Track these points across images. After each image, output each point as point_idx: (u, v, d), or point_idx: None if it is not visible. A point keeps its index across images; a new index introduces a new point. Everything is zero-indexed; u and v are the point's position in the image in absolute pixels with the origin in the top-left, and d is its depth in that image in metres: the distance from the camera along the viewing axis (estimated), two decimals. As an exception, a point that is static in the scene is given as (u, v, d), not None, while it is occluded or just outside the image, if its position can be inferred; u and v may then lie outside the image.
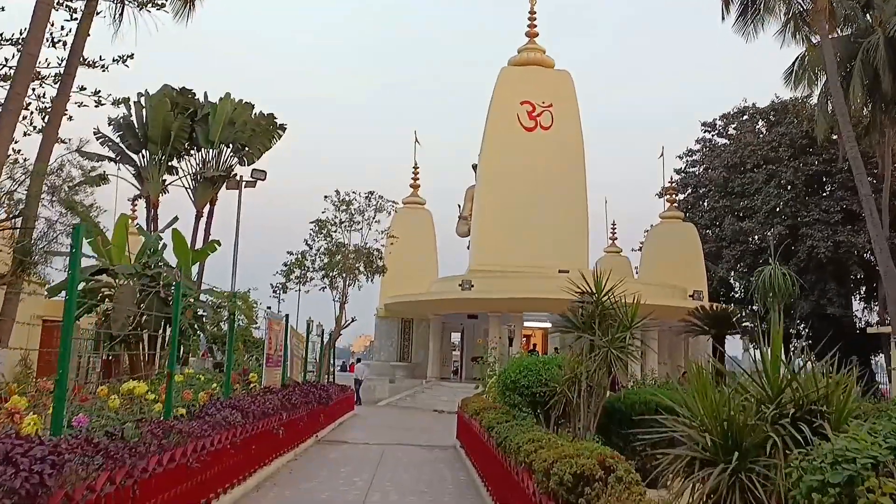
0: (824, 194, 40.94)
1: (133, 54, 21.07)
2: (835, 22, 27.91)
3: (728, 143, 47.65)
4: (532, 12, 40.30)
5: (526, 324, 34.65)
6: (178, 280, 9.80)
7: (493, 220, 35.58)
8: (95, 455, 4.70)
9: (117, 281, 20.01)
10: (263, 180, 25.02)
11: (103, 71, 21.00)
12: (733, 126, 48.13)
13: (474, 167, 42.73)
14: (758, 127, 46.50)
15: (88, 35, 19.15)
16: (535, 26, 40.29)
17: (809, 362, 4.06)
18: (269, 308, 13.97)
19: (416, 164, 41.15)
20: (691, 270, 36.95)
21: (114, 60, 21.00)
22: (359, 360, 36.42)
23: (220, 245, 25.69)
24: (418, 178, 40.85)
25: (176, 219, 23.42)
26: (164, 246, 21.74)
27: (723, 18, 27.08)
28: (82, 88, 20.31)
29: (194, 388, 12.89)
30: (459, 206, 44.37)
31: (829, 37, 32.23)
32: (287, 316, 14.77)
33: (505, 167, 36.03)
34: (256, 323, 18.50)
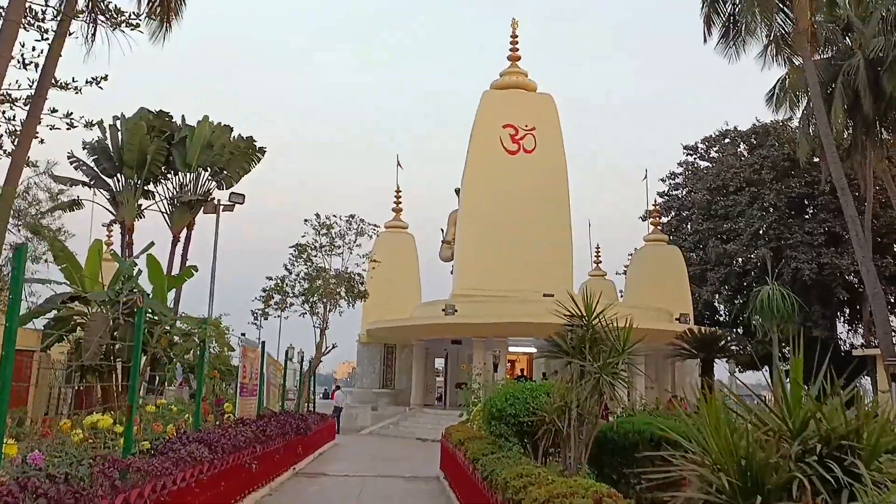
0: (807, 216, 40.93)
1: (107, 76, 20.48)
2: (816, 44, 27.97)
3: (710, 165, 47.73)
4: (514, 36, 40.27)
5: (511, 349, 34.16)
6: (140, 305, 9.23)
7: (476, 244, 35.18)
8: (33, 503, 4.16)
9: (90, 308, 19.43)
10: (242, 204, 24.47)
11: (76, 93, 20.41)
12: (715, 149, 48.25)
13: (457, 191, 42.40)
14: (739, 150, 46.64)
15: (60, 56, 18.66)
16: (518, 50, 40.25)
17: (834, 392, 3.61)
18: (243, 335, 13.39)
19: (398, 187, 40.82)
20: (676, 293, 36.68)
21: (87, 82, 20.40)
22: (338, 388, 35.66)
23: (196, 270, 25.00)
24: (401, 202, 40.47)
25: (151, 244, 22.69)
26: (140, 272, 21.14)
27: (705, 40, 27.11)
28: (53, 111, 19.72)
29: (165, 419, 12.30)
30: (443, 231, 43.96)
31: (811, 59, 32.43)
32: (263, 343, 14.21)
33: (488, 191, 35.72)
34: (234, 350, 17.90)
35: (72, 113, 19.92)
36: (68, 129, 20.04)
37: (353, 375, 42.03)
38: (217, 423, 11.21)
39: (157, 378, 21.86)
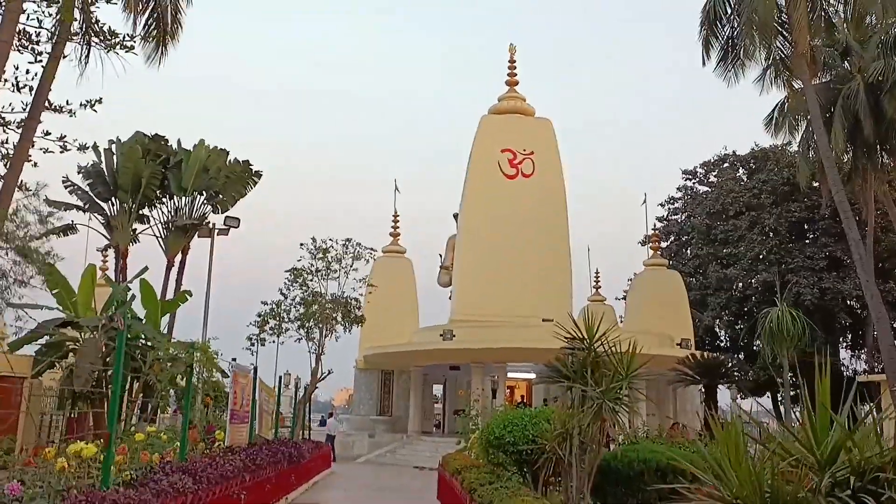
0: (808, 241, 40.69)
1: (101, 99, 20.29)
2: (815, 68, 27.87)
3: (709, 190, 47.61)
4: (512, 61, 40.28)
5: (510, 374, 33.74)
6: (121, 328, 8.89)
7: (474, 269, 34.87)
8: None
9: (82, 334, 19.02)
10: (237, 227, 24.18)
11: (70, 116, 20.22)
12: (714, 174, 48.14)
13: (455, 216, 42.20)
14: (738, 174, 46.51)
15: (54, 78, 18.49)
16: (515, 75, 40.23)
17: (871, 418, 3.27)
18: (234, 360, 13.04)
19: (395, 212, 40.60)
20: (677, 318, 36.31)
21: (81, 105, 20.20)
22: (331, 415, 35.14)
23: (191, 295, 24.76)
24: (398, 227, 40.22)
25: (145, 269, 22.49)
26: (133, 297, 20.78)
27: (703, 63, 26.94)
28: (47, 133, 19.47)
29: (154, 448, 11.91)
30: (441, 257, 43.71)
31: (811, 83, 32.30)
32: (255, 368, 13.83)
33: (486, 215, 35.51)
34: (225, 374, 17.51)
35: (65, 136, 19.72)
36: (62, 152, 19.85)
37: (351, 402, 41.55)
38: (206, 451, 10.82)
39: (150, 405, 21.54)
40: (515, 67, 40.34)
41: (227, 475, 9.06)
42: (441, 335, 29.59)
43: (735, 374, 21.65)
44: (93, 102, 20.09)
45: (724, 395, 36.64)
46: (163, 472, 7.65)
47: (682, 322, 36.36)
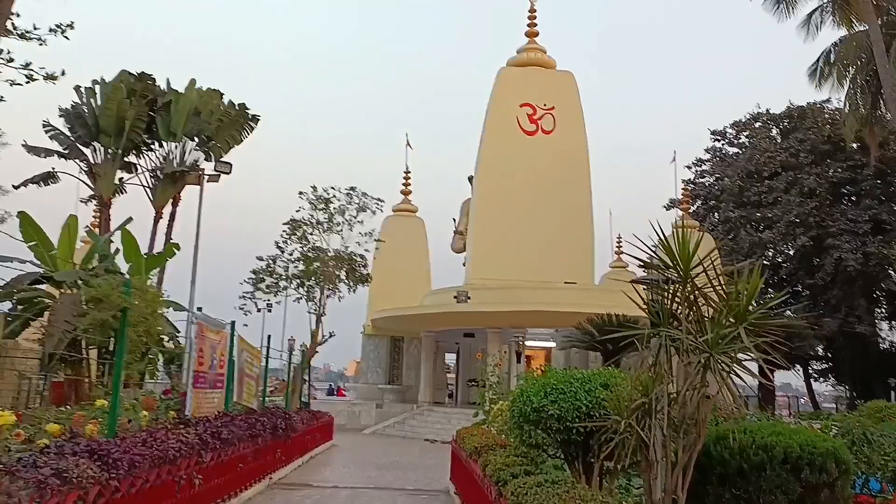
0: (850, 203, 37.86)
1: (73, 23, 17.77)
2: (877, 8, 25.07)
3: (740, 151, 44.82)
4: (532, 10, 37.42)
5: (527, 343, 31.47)
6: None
7: (491, 231, 32.44)
8: None
9: (61, 291, 16.95)
10: (228, 174, 21.68)
11: (40, 44, 17.77)
12: (745, 134, 45.22)
13: (470, 179, 39.79)
14: (772, 134, 43.60)
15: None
16: (535, 25, 37.40)
17: None
18: (199, 309, 10.64)
19: (407, 168, 38.07)
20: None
21: (51, 31, 17.72)
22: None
23: (178, 249, 22.39)
24: (410, 184, 37.69)
25: (129, 220, 20.18)
26: (117, 250, 18.68)
27: (753, -5, 24.22)
28: (10, 60, 17.07)
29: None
30: (455, 221, 41.33)
31: (859, 28, 29.63)
32: (232, 323, 11.49)
33: (504, 174, 32.99)
34: (177, 329, 15.26)
35: (30, 63, 17.36)
36: (28, 82, 17.49)
37: (359, 371, 39.45)
38: (156, 422, 8.51)
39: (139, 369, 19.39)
40: (535, 17, 37.51)
41: (170, 456, 6.71)
42: (455, 297, 27.20)
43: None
44: (63, 27, 17.58)
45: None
46: (59, 452, 5.31)
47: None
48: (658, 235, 5.09)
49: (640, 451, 4.71)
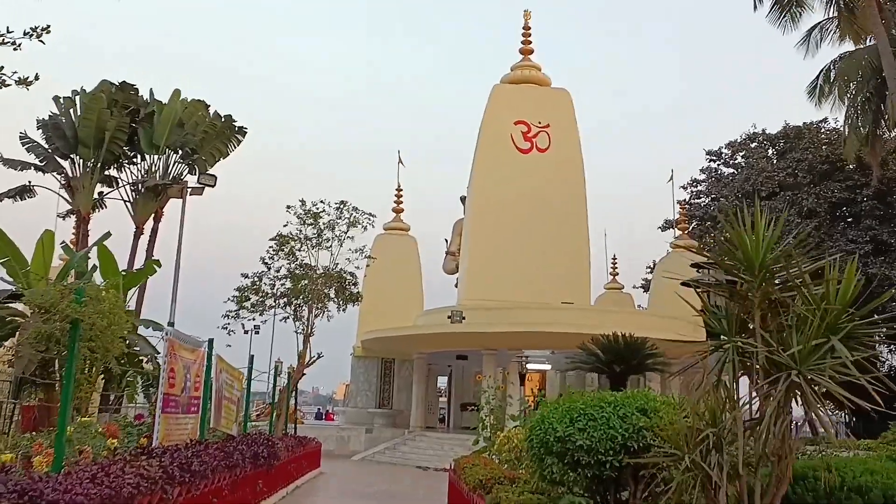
0: (849, 223, 37.14)
1: (49, 27, 16.82)
2: (887, 20, 24.49)
3: (735, 172, 44.26)
4: (526, 28, 36.92)
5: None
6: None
7: (485, 251, 31.56)
8: None
9: (32, 310, 15.91)
10: (213, 186, 20.72)
11: (15, 49, 16.81)
12: (741, 154, 44.68)
13: (463, 199, 39.02)
14: (768, 154, 43.04)
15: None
16: (530, 42, 36.87)
17: None
18: (171, 324, 9.54)
19: (399, 185, 37.12)
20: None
21: (25, 34, 16.75)
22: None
23: (159, 266, 21.38)
24: (402, 202, 36.75)
25: (108, 234, 19.19)
26: (95, 267, 17.67)
27: (755, 8, 23.56)
28: (-20, 63, 16.05)
29: (77, 444, 8.66)
30: (446, 241, 40.45)
31: (861, 45, 29.21)
32: (210, 341, 10.46)
33: (498, 192, 32.19)
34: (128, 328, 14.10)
35: (2, 68, 16.43)
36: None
37: (348, 394, 38.22)
38: (115, 454, 7.46)
39: (113, 394, 18.27)
40: (530, 35, 37.01)
41: (124, 494, 5.68)
42: (449, 317, 26.15)
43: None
44: (40, 31, 16.63)
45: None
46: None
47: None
48: (725, 225, 4.14)
49: (704, 493, 3.73)
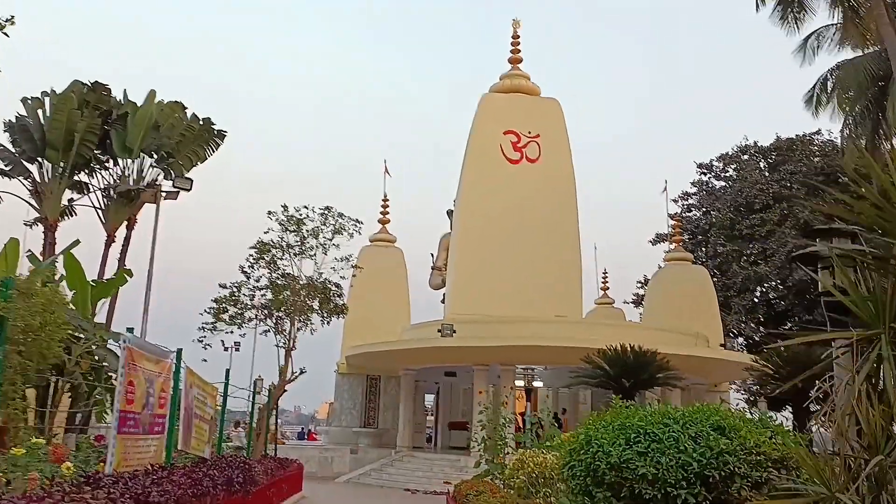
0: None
1: (13, 17, 15.62)
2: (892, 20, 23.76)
3: (727, 185, 43.60)
4: (515, 37, 36.04)
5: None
6: None
7: (472, 263, 30.46)
8: None
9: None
10: (189, 190, 19.45)
11: (-18, 38, 15.62)
12: (733, 167, 44.06)
13: (449, 213, 37.98)
14: (761, 167, 42.43)
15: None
16: (519, 52, 35.99)
17: None
18: (130, 329, 8.36)
19: (385, 196, 35.98)
20: (705, 318, 31.85)
21: (-9, 25, 15.55)
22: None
23: (131, 275, 20.07)
24: (388, 212, 35.60)
25: (76, 242, 17.92)
26: (62, 277, 16.43)
27: (757, 8, 22.75)
28: (-63, 54, 14.90)
29: (28, 468, 7.43)
30: (433, 257, 39.36)
31: (861, 52, 28.63)
32: (179, 351, 9.24)
33: (487, 203, 31.17)
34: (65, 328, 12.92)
35: (-42, 58, 15.23)
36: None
37: (332, 413, 36.77)
38: (52, 483, 6.21)
39: (80, 412, 16.93)
40: (519, 44, 36.13)
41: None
42: (439, 330, 24.92)
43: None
44: (3, 22, 15.43)
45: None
46: None
47: (711, 323, 31.94)
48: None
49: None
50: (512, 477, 8.26)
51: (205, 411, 10.78)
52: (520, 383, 30.77)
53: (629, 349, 13.88)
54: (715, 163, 45.11)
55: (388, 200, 35.76)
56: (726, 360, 24.79)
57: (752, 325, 36.84)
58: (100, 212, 21.73)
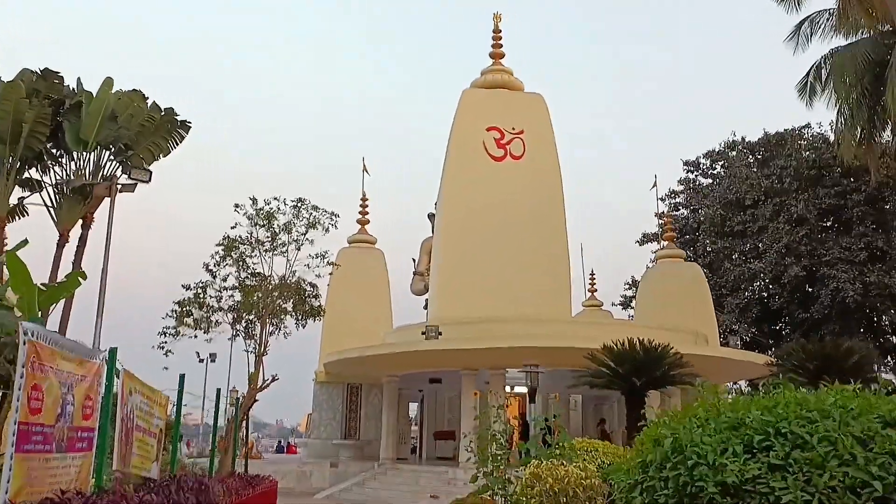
0: (841, 230, 35.31)
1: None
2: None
3: (715, 181, 42.52)
4: (497, 31, 34.71)
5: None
6: None
7: (457, 264, 28.99)
8: None
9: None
10: (147, 182, 17.76)
11: None
12: (721, 164, 43.00)
13: (430, 217, 36.50)
14: (749, 162, 41.34)
15: None
16: (501, 46, 34.66)
17: None
18: (34, 320, 6.78)
19: (364, 195, 34.38)
20: (700, 317, 30.54)
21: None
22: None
23: (85, 278, 18.33)
24: (367, 212, 34.01)
25: (24, 242, 16.18)
26: (8, 281, 14.73)
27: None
28: None
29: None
30: (414, 261, 37.80)
31: (852, 39, 27.89)
32: (112, 350, 7.63)
33: (470, 201, 29.71)
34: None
35: None
36: None
37: (310, 425, 34.99)
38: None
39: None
40: (501, 38, 34.82)
41: None
42: (423, 333, 23.37)
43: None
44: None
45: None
46: None
47: (705, 321, 30.60)
48: None
49: None
50: (524, 494, 6.68)
51: (151, 423, 9.13)
52: (519, 389, 29.29)
53: (639, 344, 12.44)
54: (702, 160, 44.07)
55: (367, 200, 34.21)
56: (730, 359, 23.43)
57: (746, 324, 35.57)
58: (51, 209, 19.95)
